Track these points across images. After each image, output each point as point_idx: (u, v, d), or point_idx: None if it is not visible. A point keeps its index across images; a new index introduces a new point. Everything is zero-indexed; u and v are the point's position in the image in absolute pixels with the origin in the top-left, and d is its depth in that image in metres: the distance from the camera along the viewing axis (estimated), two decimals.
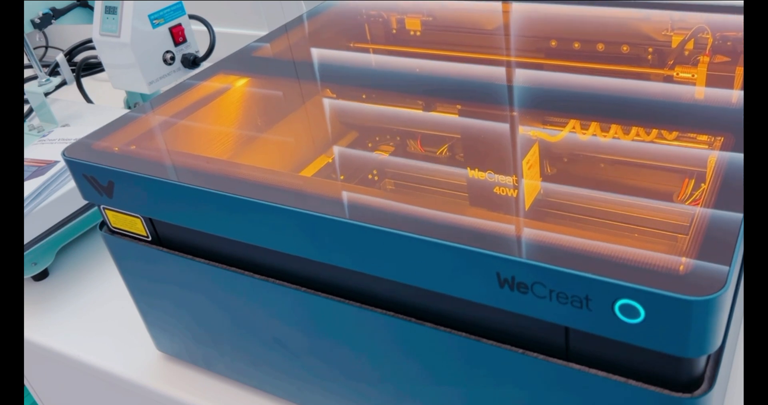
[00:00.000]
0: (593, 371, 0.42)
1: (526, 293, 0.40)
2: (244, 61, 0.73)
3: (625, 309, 0.37)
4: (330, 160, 0.61)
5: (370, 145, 0.63)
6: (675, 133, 0.52)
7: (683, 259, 0.37)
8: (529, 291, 0.40)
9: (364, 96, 0.67)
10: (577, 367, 0.42)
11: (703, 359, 0.40)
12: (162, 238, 0.59)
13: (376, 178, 0.61)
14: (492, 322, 0.45)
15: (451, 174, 0.58)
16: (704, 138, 0.51)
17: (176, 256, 0.58)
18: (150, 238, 0.59)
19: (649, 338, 0.38)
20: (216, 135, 0.65)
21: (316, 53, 0.74)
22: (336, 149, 0.63)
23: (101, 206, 0.60)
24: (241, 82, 0.71)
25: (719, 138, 0.49)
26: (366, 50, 0.76)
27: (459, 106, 0.61)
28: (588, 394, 0.43)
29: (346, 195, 0.50)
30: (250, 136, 0.66)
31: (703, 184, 0.44)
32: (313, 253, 0.48)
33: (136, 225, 0.59)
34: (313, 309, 0.52)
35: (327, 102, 0.67)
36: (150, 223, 0.58)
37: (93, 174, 0.56)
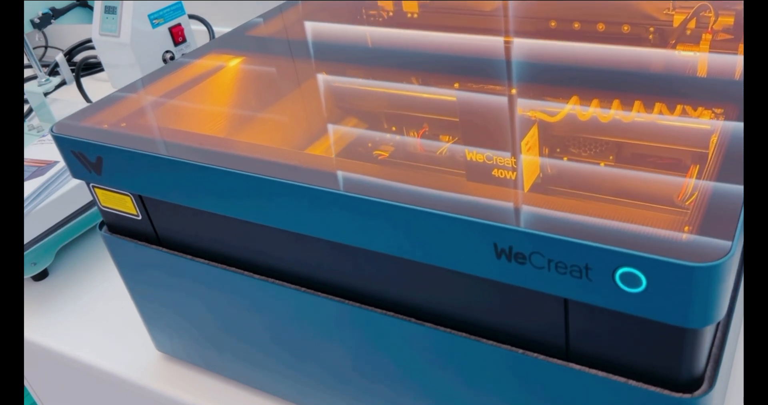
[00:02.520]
0: (593, 371, 0.42)
1: (524, 264, 0.39)
2: (237, 41, 0.72)
3: (626, 278, 0.36)
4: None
5: (370, 145, 0.63)
6: (677, 112, 0.51)
7: (686, 228, 0.36)
8: (527, 261, 0.39)
9: (360, 79, 0.66)
10: (577, 367, 0.42)
11: (703, 359, 0.40)
12: (152, 216, 0.58)
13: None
14: (490, 319, 0.45)
15: (449, 159, 0.57)
16: (707, 117, 0.50)
17: (176, 256, 0.58)
18: (140, 217, 0.58)
19: (650, 308, 0.36)
20: (207, 114, 0.64)
21: (312, 33, 0.74)
22: (332, 140, 0.62)
23: (90, 184, 0.59)
24: (234, 62, 0.70)
25: (721, 113, 0.48)
26: (363, 31, 0.76)
27: (457, 85, 0.60)
28: (588, 395, 0.43)
29: (341, 168, 0.49)
30: (242, 117, 0.65)
31: (707, 160, 0.43)
32: (308, 227, 0.47)
33: (125, 203, 0.58)
34: (312, 309, 0.52)
35: (323, 84, 0.66)
36: (140, 200, 0.57)
37: (81, 150, 0.55)
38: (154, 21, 1.00)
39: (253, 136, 0.61)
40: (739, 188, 0.39)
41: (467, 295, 0.45)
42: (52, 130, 0.56)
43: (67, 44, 1.24)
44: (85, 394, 0.80)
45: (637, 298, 0.36)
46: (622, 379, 0.41)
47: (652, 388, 0.40)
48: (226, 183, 0.49)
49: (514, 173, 0.50)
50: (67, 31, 1.50)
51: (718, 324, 0.45)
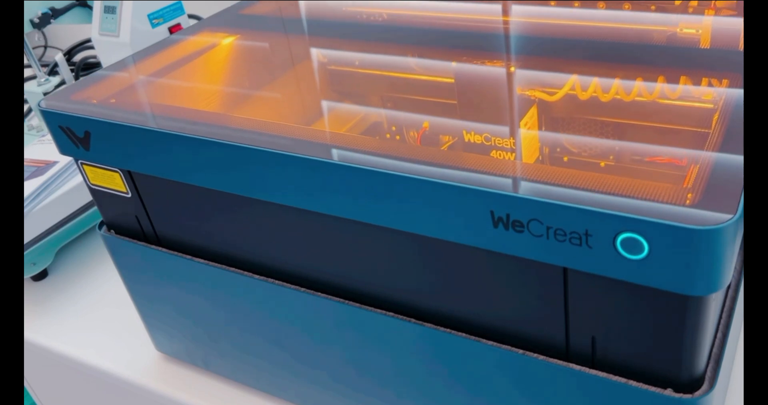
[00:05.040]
0: (593, 372, 0.42)
1: (522, 232, 0.38)
2: (231, 19, 0.71)
3: (627, 244, 0.35)
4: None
5: (376, 138, 0.62)
6: (679, 89, 0.50)
7: (689, 195, 0.35)
8: (525, 229, 0.38)
9: (357, 62, 0.64)
10: (577, 367, 0.42)
11: (703, 360, 0.40)
12: (141, 193, 0.57)
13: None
14: (487, 299, 0.44)
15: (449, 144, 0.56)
16: (710, 95, 0.49)
17: (176, 256, 0.58)
18: (129, 194, 0.58)
19: (653, 276, 0.35)
20: (198, 92, 0.63)
21: (307, 11, 0.72)
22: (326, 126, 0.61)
23: (79, 161, 0.58)
24: (227, 40, 0.69)
25: (724, 84, 0.47)
26: (359, 10, 0.74)
27: (455, 64, 0.59)
28: (588, 395, 0.43)
29: (335, 139, 0.48)
30: (233, 96, 0.64)
31: (709, 141, 0.42)
32: (301, 200, 0.46)
33: (115, 180, 0.57)
34: (312, 309, 0.52)
35: (318, 64, 0.65)
36: (129, 176, 0.56)
37: (69, 124, 0.54)
38: (153, 21, 1.00)
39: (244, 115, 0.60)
40: (740, 158, 0.38)
41: (463, 274, 0.44)
42: (39, 105, 0.55)
43: (67, 44, 1.24)
44: (84, 395, 0.79)
45: (639, 265, 0.35)
46: (623, 380, 0.41)
47: (653, 389, 0.40)
48: (217, 156, 0.48)
49: (513, 154, 0.49)
50: (66, 31, 1.50)
51: (719, 324, 0.45)
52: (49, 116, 0.55)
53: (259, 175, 0.47)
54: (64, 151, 0.57)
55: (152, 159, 0.52)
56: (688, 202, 0.35)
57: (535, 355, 0.43)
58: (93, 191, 0.60)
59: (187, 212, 0.56)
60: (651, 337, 0.39)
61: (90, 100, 0.56)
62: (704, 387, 0.40)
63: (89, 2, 1.45)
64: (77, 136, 0.55)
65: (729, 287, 0.49)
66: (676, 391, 0.40)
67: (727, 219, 0.33)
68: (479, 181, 0.39)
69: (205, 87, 0.64)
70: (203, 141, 0.48)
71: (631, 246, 0.35)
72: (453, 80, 0.58)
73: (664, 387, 0.40)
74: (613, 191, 0.36)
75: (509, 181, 0.39)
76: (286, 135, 0.48)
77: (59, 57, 1.08)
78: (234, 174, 0.48)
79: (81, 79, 0.60)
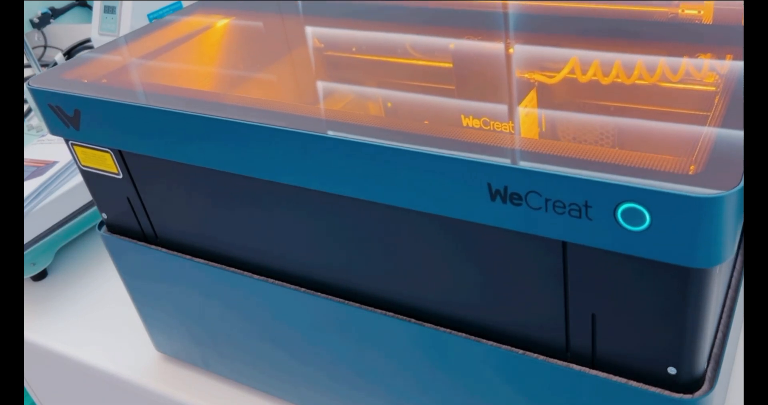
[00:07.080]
0: (594, 372, 0.42)
1: (520, 205, 0.37)
2: (226, 1, 0.70)
3: (628, 214, 0.34)
4: None
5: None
6: (680, 73, 0.49)
7: (691, 167, 0.35)
8: (524, 202, 0.37)
9: (354, 49, 0.63)
10: (577, 367, 0.42)
11: (703, 359, 0.40)
12: (132, 174, 0.56)
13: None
14: (485, 296, 0.44)
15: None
16: (711, 79, 0.48)
17: (175, 256, 0.58)
18: (120, 175, 0.57)
19: (655, 248, 0.34)
20: (191, 73, 0.62)
21: None
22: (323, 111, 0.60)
23: (69, 142, 0.57)
24: (222, 21, 0.68)
25: (726, 59, 0.47)
26: None
27: (452, 47, 0.58)
28: (588, 395, 0.43)
29: (330, 115, 0.48)
30: (227, 77, 0.63)
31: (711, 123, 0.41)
32: (294, 176, 0.45)
33: (106, 161, 0.57)
34: (313, 309, 0.52)
35: (313, 48, 0.64)
36: (120, 157, 0.56)
37: (58, 103, 0.53)
38: (153, 21, 1.00)
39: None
40: (741, 133, 0.37)
41: (459, 252, 0.43)
42: (28, 84, 0.54)
43: (66, 44, 1.24)
44: (84, 395, 0.79)
45: (641, 236, 0.34)
46: (623, 380, 0.41)
47: (653, 389, 0.40)
48: (208, 133, 0.47)
49: (512, 139, 0.49)
50: (66, 31, 1.50)
51: (719, 324, 0.45)
52: (37, 95, 0.54)
53: (251, 152, 0.46)
54: (53, 131, 0.56)
55: (143, 137, 0.51)
56: (690, 172, 0.34)
57: (535, 355, 0.43)
58: (84, 173, 0.59)
59: (179, 192, 0.55)
60: (652, 315, 0.39)
61: (80, 79, 0.55)
62: (704, 387, 0.40)
63: (89, 2, 1.45)
64: (67, 115, 0.54)
65: (729, 287, 0.49)
66: (677, 391, 0.40)
67: (730, 188, 0.32)
68: (476, 153, 0.38)
69: (197, 68, 0.63)
70: (194, 118, 0.47)
71: (633, 217, 0.34)
72: (451, 65, 0.58)
73: (665, 387, 0.40)
74: (615, 162, 0.36)
75: (507, 152, 0.38)
76: (279, 111, 0.47)
77: (59, 57, 1.08)
78: (225, 151, 0.47)
79: (70, 59, 0.59)
